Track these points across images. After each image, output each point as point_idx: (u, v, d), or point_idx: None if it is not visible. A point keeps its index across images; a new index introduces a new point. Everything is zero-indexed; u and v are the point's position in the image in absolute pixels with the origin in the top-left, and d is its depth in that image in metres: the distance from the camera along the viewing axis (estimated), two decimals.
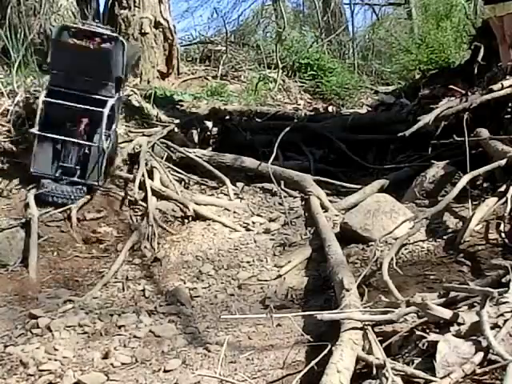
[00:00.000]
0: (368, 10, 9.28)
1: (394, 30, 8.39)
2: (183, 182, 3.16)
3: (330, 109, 5.07)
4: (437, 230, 2.18)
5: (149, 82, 5.02)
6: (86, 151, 2.76)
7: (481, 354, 1.13)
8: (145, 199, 2.78)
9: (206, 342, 1.68)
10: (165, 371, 1.53)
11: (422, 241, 2.13)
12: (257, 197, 3.02)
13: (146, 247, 2.46)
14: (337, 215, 2.52)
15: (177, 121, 3.88)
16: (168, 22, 5.22)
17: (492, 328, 1.16)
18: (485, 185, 2.39)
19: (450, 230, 2.15)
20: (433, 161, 2.65)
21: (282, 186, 2.95)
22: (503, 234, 1.98)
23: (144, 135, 3.60)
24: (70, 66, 2.73)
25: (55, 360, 1.68)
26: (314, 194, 2.73)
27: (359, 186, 2.81)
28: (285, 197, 2.91)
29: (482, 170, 2.26)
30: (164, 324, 1.83)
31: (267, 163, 3.06)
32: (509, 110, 2.77)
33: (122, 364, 1.58)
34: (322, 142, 3.47)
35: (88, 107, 2.72)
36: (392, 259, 1.86)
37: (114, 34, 2.88)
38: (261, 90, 4.99)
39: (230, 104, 4.44)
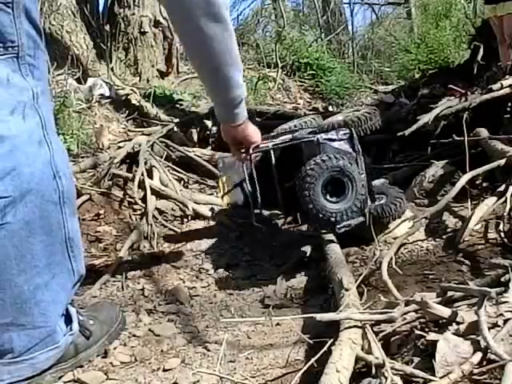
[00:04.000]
0: (367, 9, 9.32)
1: (394, 29, 8.42)
2: (182, 181, 3.16)
3: (329, 108, 5.08)
4: (436, 229, 2.18)
5: (148, 81, 5.04)
6: None
7: (480, 354, 1.12)
8: (144, 198, 2.78)
9: (206, 341, 1.68)
10: (164, 370, 1.53)
11: (422, 240, 2.13)
12: None
13: (145, 246, 2.46)
14: None
15: (176, 120, 3.89)
16: (168, 21, 5.23)
17: (491, 328, 1.16)
18: (484, 184, 2.39)
19: (449, 230, 2.15)
20: (432, 160, 2.65)
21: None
22: (502, 234, 1.98)
23: (143, 134, 3.61)
24: None
25: None
26: None
27: None
28: None
29: (481, 170, 2.26)
30: (163, 323, 1.83)
31: None
32: (508, 109, 2.78)
33: (122, 363, 1.58)
34: None
35: None
36: (391, 259, 1.86)
37: None
38: (260, 90, 4.99)
39: None
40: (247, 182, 2.11)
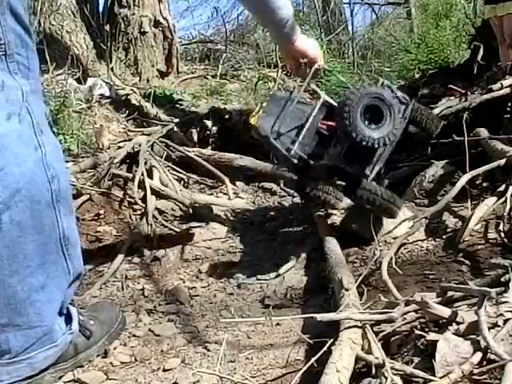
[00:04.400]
0: (367, 9, 9.31)
1: (394, 29, 8.41)
2: (182, 181, 3.16)
3: None
4: (436, 229, 2.18)
5: (148, 81, 5.04)
6: None
7: (480, 354, 1.12)
8: (144, 198, 2.78)
9: (206, 341, 1.68)
10: (164, 370, 1.53)
11: (422, 240, 2.13)
12: (256, 196, 3.03)
13: (145, 246, 2.47)
14: (336, 214, 2.51)
15: (176, 120, 3.89)
16: (167, 20, 5.24)
17: (492, 328, 1.16)
18: (484, 184, 2.39)
19: (449, 230, 2.14)
20: (432, 160, 2.65)
21: (282, 186, 2.97)
22: (502, 234, 1.98)
23: (143, 134, 3.61)
24: None
25: None
26: None
27: None
28: (284, 196, 2.93)
29: (481, 170, 2.26)
30: (163, 323, 1.83)
31: (266, 162, 3.06)
32: (508, 109, 2.77)
33: (122, 363, 1.58)
34: None
35: None
36: (391, 259, 1.86)
37: None
38: (260, 90, 4.99)
39: (229, 103, 4.44)
40: (281, 117, 2.06)
